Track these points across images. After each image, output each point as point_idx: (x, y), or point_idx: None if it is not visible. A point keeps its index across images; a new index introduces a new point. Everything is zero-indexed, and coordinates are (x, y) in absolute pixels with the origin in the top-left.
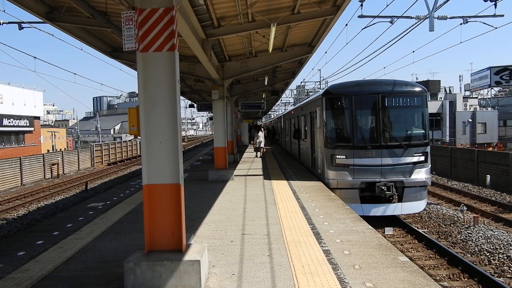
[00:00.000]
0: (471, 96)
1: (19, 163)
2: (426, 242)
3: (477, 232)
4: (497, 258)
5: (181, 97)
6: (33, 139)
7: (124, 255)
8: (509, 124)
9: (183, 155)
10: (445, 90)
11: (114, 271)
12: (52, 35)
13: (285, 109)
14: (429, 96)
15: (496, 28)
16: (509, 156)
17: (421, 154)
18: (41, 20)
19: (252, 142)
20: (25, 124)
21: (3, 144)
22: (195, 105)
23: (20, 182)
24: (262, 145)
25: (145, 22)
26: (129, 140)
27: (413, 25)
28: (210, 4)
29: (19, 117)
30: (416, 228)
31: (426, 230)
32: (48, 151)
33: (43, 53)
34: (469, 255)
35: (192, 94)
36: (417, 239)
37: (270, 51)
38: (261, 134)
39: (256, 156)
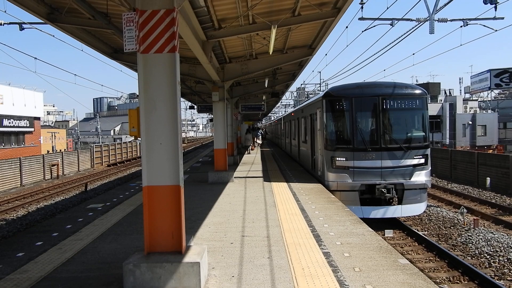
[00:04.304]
0: (471, 99)
1: (19, 163)
2: (426, 244)
3: (477, 234)
4: (497, 260)
5: (182, 99)
6: (33, 140)
7: (124, 257)
8: (509, 127)
9: (183, 157)
10: (445, 93)
11: (113, 272)
12: (53, 36)
13: (285, 111)
14: (429, 98)
15: (496, 30)
16: (509, 158)
17: (421, 157)
18: (42, 21)
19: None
20: (25, 125)
21: (3, 144)
22: (196, 106)
23: (19, 183)
24: (250, 143)
25: (146, 23)
26: (129, 141)
27: (413, 28)
28: (211, 6)
29: (19, 118)
30: (416, 231)
31: (426, 232)
32: (48, 151)
33: (44, 54)
34: (469, 258)
35: (192, 96)
36: (417, 241)
37: (270, 53)
38: (249, 135)
39: (248, 152)
